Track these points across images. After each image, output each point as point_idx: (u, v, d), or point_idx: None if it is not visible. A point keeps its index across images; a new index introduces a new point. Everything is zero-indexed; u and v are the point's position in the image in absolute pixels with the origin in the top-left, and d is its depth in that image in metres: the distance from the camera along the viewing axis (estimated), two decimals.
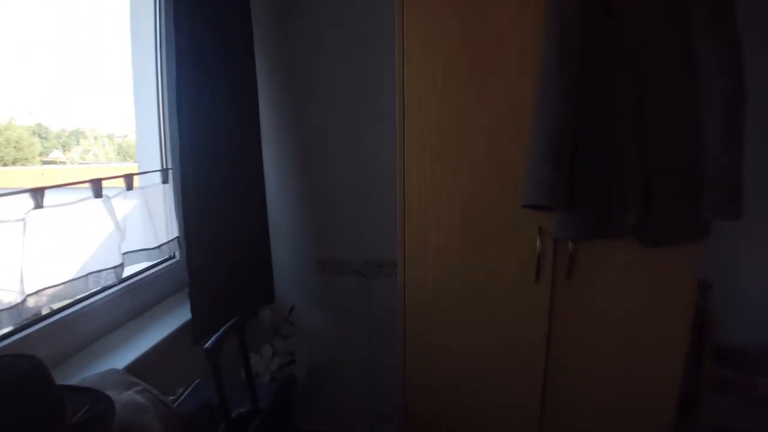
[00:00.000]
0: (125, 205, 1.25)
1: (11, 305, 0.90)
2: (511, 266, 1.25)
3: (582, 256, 1.21)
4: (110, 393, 0.78)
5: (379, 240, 1.79)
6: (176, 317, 1.38)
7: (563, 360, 1.28)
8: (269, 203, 1.73)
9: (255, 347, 1.66)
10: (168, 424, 0.70)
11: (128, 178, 1.26)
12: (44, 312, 1.06)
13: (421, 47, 1.20)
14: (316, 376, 1.89)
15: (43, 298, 1.01)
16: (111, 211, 1.17)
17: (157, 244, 1.38)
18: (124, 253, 1.24)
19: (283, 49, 1.73)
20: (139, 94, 1.45)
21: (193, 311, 1.33)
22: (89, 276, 1.12)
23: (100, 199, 1.14)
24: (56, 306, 1.11)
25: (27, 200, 0.94)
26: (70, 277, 1.08)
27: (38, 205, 0.96)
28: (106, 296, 1.24)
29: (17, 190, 0.93)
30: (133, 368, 1.10)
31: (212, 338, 0.78)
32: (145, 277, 1.41)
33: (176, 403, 0.91)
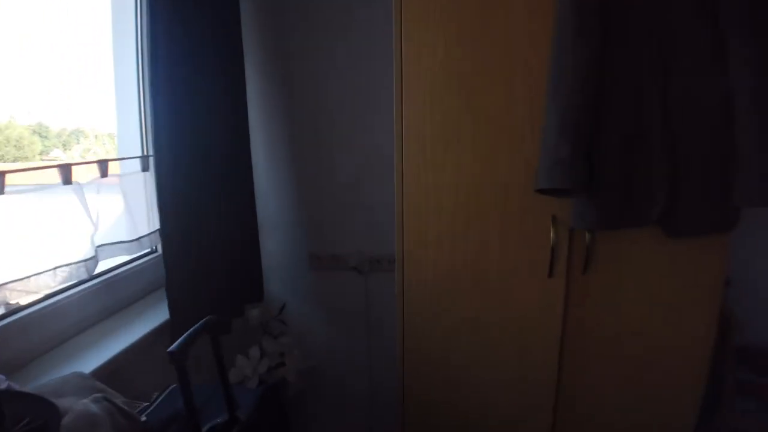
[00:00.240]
0: (100, 194, 1.15)
1: None
2: (521, 261, 1.15)
3: (599, 249, 1.11)
4: (68, 400, 0.69)
5: (377, 234, 1.69)
6: (157, 315, 1.27)
7: (578, 364, 1.19)
8: (258, 194, 1.62)
9: (243, 349, 1.57)
10: None
11: (102, 165, 1.16)
12: (2, 310, 0.95)
13: (423, 27, 1.10)
14: (308, 380, 1.79)
15: (3, 293, 0.92)
16: (83, 200, 1.08)
17: (137, 237, 1.29)
18: (98, 246, 1.15)
19: (272, 30, 1.63)
20: (119, 74, 1.35)
21: (171, 310, 1.23)
22: (57, 270, 1.03)
23: (69, 186, 1.05)
24: (23, 302, 1.01)
25: None
26: (35, 271, 0.98)
27: None
28: (78, 292, 1.14)
29: None
30: (104, 371, 1.00)
31: (178, 340, 0.68)
32: (124, 272, 1.31)
33: (149, 410, 0.81)
